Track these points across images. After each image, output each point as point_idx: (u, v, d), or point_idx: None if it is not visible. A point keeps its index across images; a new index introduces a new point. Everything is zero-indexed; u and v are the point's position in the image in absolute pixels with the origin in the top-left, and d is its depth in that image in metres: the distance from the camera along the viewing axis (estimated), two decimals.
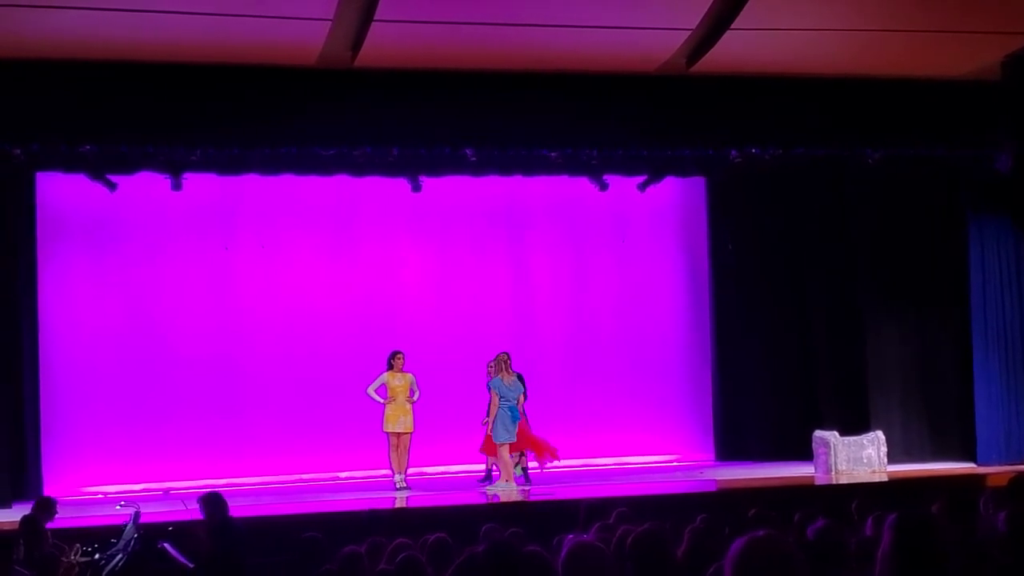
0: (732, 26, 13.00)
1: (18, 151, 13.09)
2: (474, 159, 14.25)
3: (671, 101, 14.28)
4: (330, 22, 12.43)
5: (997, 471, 14.33)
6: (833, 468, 14.74)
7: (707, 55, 13.57)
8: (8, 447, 13.92)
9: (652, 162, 15.50)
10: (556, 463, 14.83)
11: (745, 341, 17.14)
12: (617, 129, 14.24)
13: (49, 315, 15.16)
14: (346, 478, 15.43)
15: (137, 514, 10.27)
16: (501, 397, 14.14)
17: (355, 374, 15.54)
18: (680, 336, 17.58)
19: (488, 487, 14.20)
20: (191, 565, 9.17)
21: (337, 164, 14.39)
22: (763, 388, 17.04)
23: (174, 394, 15.63)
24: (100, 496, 14.39)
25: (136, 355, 15.61)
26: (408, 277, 16.68)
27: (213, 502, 9.65)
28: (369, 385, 14.61)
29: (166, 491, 14.73)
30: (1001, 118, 14.72)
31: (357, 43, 12.89)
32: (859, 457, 14.88)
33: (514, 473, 14.36)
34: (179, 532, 10.23)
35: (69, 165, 14.08)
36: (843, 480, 14.35)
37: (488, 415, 14.20)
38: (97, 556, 9.68)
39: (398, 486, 14.33)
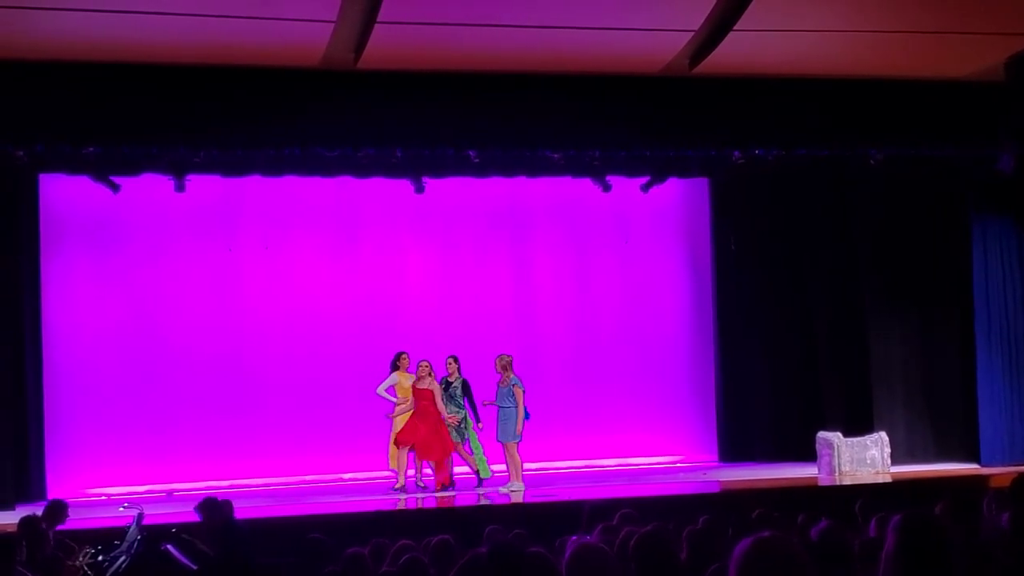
0: (735, 27, 13.00)
1: (22, 152, 13.11)
2: (477, 160, 14.26)
3: (674, 102, 14.27)
4: (333, 24, 12.44)
5: (1001, 472, 14.32)
6: (837, 469, 14.73)
7: (710, 56, 13.57)
8: (12, 449, 13.93)
9: (655, 163, 15.51)
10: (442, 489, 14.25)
11: (748, 342, 17.14)
12: (620, 130, 14.24)
13: (53, 317, 15.18)
14: (350, 479, 15.44)
15: (140, 516, 10.26)
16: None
17: (359, 375, 15.55)
18: (683, 337, 17.58)
19: (501, 487, 14.13)
20: (194, 567, 9.16)
21: (340, 165, 14.40)
22: (766, 389, 17.03)
23: (178, 395, 15.65)
24: (103, 498, 14.41)
25: (139, 356, 15.62)
26: (411, 278, 16.69)
27: (211, 507, 9.65)
28: (379, 386, 14.59)
29: (170, 493, 14.75)
30: (1004, 119, 14.70)
31: (360, 45, 12.89)
32: (863, 458, 14.87)
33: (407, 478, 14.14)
34: (182, 534, 10.22)
35: (73, 166, 14.11)
36: (847, 481, 14.33)
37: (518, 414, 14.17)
38: (100, 558, 9.66)
39: (419, 485, 14.39)
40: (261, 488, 15.02)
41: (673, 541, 6.10)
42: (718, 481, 14.85)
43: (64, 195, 15.24)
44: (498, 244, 17.03)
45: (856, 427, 15.40)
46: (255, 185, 15.42)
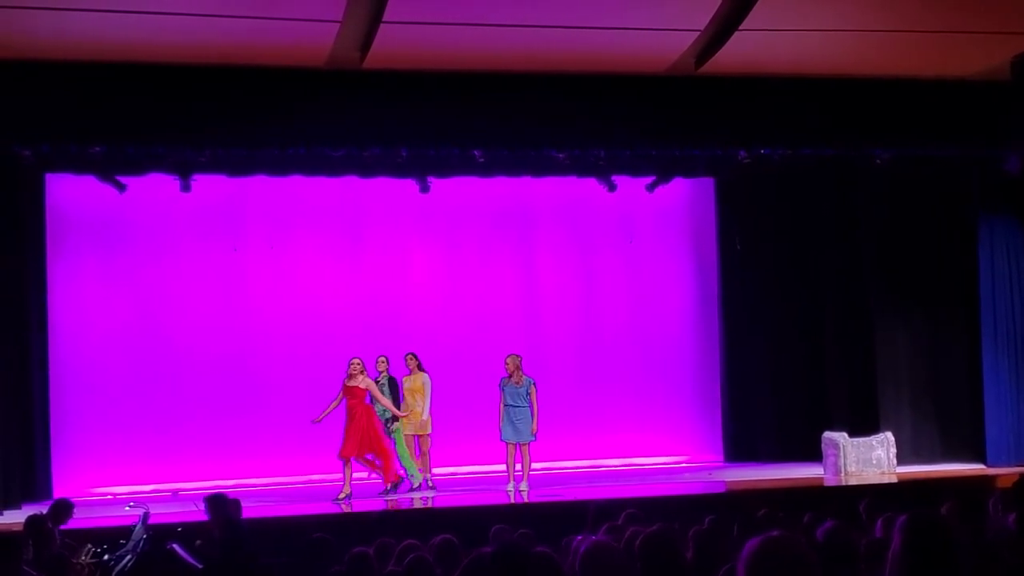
0: (741, 27, 12.99)
1: (28, 152, 13.12)
2: (482, 160, 14.24)
3: (679, 102, 14.25)
4: (339, 23, 12.44)
5: (1007, 472, 14.32)
6: (842, 469, 14.72)
7: (716, 56, 13.55)
8: (17, 448, 13.94)
9: (660, 163, 15.50)
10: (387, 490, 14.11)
11: (754, 341, 17.13)
12: (625, 130, 14.22)
13: (58, 316, 15.20)
14: (355, 479, 15.41)
15: (146, 515, 10.28)
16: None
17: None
18: (688, 337, 17.57)
19: (508, 486, 14.08)
20: (200, 566, 9.17)
21: (346, 165, 14.41)
22: (772, 389, 17.02)
23: (183, 395, 15.66)
24: (109, 497, 14.42)
25: (145, 356, 15.64)
26: (416, 278, 16.69)
27: (219, 503, 9.65)
28: (428, 395, 14.50)
29: (175, 492, 14.77)
30: (1010, 118, 14.66)
31: (366, 44, 12.89)
32: (868, 458, 14.86)
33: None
34: (188, 533, 10.23)
35: (78, 166, 14.12)
36: (852, 481, 14.32)
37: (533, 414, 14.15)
38: (106, 557, 9.69)
39: (430, 484, 14.40)
40: (267, 487, 15.02)
41: (679, 541, 6.09)
42: (723, 481, 14.85)
43: (70, 195, 15.27)
44: (503, 244, 17.03)
45: (862, 427, 15.39)
46: (260, 185, 15.43)
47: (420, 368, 14.58)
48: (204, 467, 15.42)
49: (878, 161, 14.94)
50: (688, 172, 16.18)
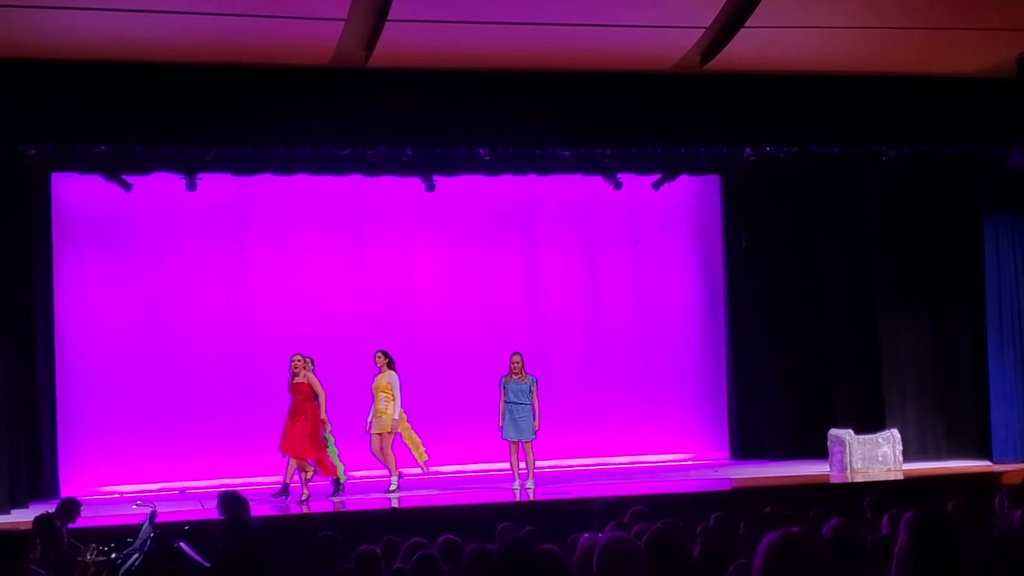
0: (746, 24, 13.00)
1: (33, 151, 13.13)
2: (488, 158, 14.24)
3: (685, 99, 14.25)
4: (344, 22, 12.45)
5: (1012, 469, 14.31)
6: (848, 466, 14.72)
7: (721, 53, 13.56)
8: (24, 447, 13.96)
9: (666, 160, 15.50)
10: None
11: (760, 339, 17.11)
12: (631, 128, 14.23)
13: (64, 315, 15.22)
14: (361, 477, 15.43)
15: (153, 513, 10.30)
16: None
17: (369, 373, 15.54)
18: (694, 335, 17.57)
19: (514, 484, 14.05)
20: (207, 564, 9.18)
21: (351, 164, 14.42)
22: (778, 386, 17.00)
23: (189, 393, 15.68)
24: (116, 496, 14.46)
25: (151, 355, 15.66)
26: (421, 276, 16.70)
27: (231, 501, 9.66)
28: (396, 394, 14.23)
29: (182, 490, 14.78)
30: (1016, 116, 14.66)
31: (371, 43, 12.90)
32: (874, 455, 14.86)
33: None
34: (195, 531, 10.25)
35: (84, 165, 14.15)
36: (859, 478, 14.33)
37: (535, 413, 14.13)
38: (113, 555, 9.70)
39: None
40: (273, 486, 15.00)
41: (685, 538, 6.09)
42: (729, 479, 14.85)
43: (76, 194, 15.29)
44: (509, 242, 17.03)
45: (868, 424, 15.39)
46: (266, 184, 15.45)
47: (390, 367, 14.25)
48: (211, 465, 15.44)
49: (884, 158, 14.94)
50: (694, 170, 16.18)
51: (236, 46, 12.75)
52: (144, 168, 14.19)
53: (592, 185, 16.09)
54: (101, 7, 11.85)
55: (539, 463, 14.54)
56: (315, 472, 13.72)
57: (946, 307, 16.24)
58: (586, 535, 6.33)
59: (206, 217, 15.89)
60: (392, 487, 14.00)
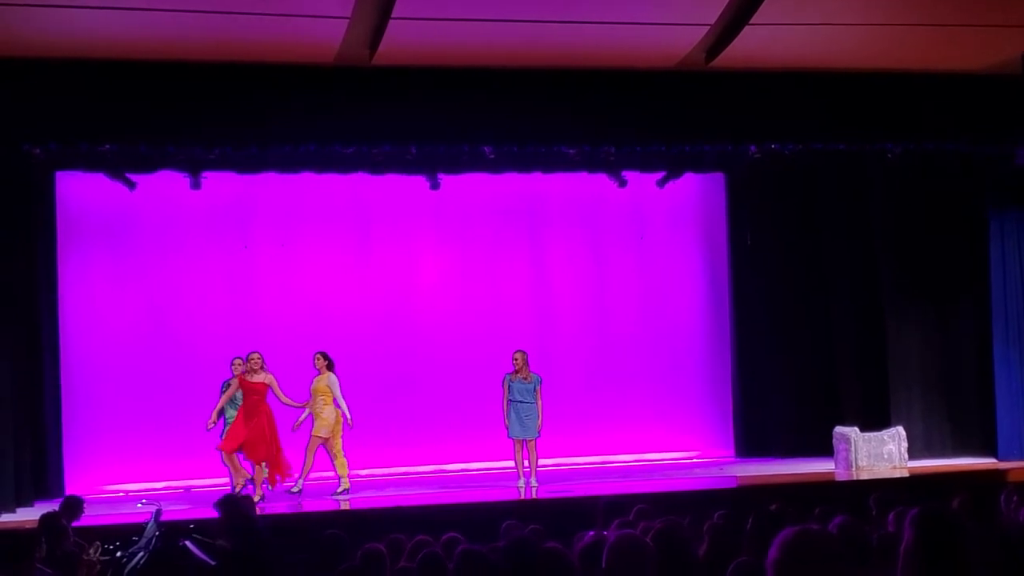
0: (751, 21, 12.98)
1: (38, 150, 13.15)
2: (492, 156, 14.24)
3: (690, 97, 14.24)
4: (348, 20, 12.45)
5: (1018, 466, 14.31)
6: (854, 464, 14.71)
7: (726, 50, 13.54)
8: (29, 446, 13.97)
9: (671, 158, 15.47)
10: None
11: (765, 337, 17.09)
12: (636, 125, 14.22)
13: (69, 314, 15.23)
14: (366, 476, 15.44)
15: (158, 512, 10.30)
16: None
17: (373, 371, 15.58)
18: (700, 332, 17.56)
19: (519, 483, 14.06)
20: (213, 563, 9.18)
21: (356, 162, 14.41)
22: (783, 384, 16.98)
23: (194, 392, 15.64)
24: (121, 494, 14.47)
25: (156, 353, 15.67)
26: (427, 274, 16.70)
27: (230, 503, 9.66)
28: (340, 396, 14.00)
29: (187, 489, 14.80)
30: (1021, 113, 14.63)
31: (375, 41, 12.90)
32: (880, 453, 14.85)
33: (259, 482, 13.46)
34: (201, 530, 10.25)
35: (89, 164, 14.14)
36: (864, 476, 14.31)
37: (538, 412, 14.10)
38: (119, 554, 9.71)
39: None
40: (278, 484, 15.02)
41: (690, 536, 6.09)
42: (735, 476, 14.84)
43: (80, 192, 15.30)
44: (514, 240, 17.02)
45: (873, 422, 15.38)
46: (270, 182, 15.45)
47: (329, 368, 14.01)
48: (216, 464, 15.41)
49: (889, 156, 14.93)
50: (699, 167, 16.16)
51: (240, 45, 12.75)
52: (148, 167, 14.18)
53: (597, 183, 16.07)
54: (105, 6, 11.85)
55: (544, 461, 14.54)
56: (265, 475, 13.50)
57: (951, 305, 16.23)
58: (591, 533, 6.34)
59: (210, 216, 15.89)
60: (340, 489, 13.80)
